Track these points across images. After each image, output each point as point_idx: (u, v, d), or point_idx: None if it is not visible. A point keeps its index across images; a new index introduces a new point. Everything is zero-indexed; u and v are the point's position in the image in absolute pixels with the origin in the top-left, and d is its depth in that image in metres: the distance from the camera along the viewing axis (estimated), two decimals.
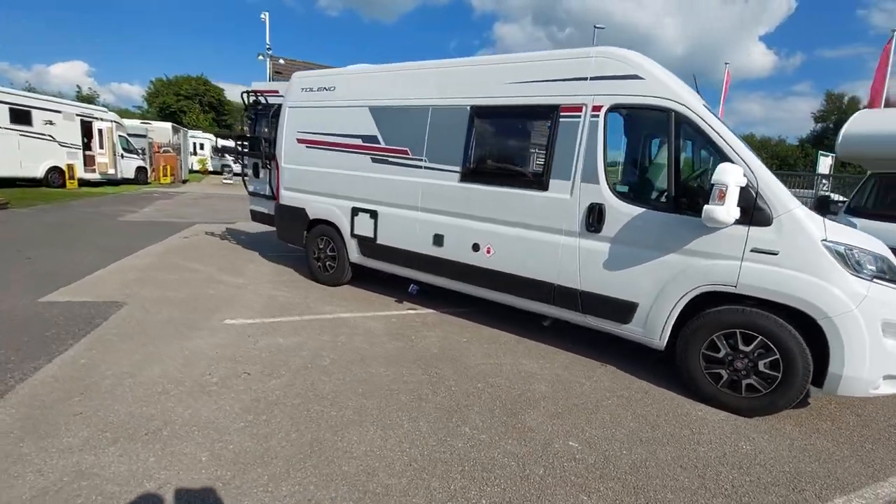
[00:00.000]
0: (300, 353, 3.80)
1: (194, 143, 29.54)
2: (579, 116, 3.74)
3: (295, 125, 5.91)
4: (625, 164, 4.20)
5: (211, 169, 31.16)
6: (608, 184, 3.62)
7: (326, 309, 4.99)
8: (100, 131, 16.34)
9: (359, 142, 5.24)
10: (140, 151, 19.24)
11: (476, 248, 4.36)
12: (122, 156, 17.76)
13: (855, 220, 6.15)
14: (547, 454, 2.63)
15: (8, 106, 13.92)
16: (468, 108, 4.36)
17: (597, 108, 3.66)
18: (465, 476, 2.39)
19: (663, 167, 3.51)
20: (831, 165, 19.71)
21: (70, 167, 15.59)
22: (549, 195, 3.89)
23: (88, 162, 16.44)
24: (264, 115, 6.72)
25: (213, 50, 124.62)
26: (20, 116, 14.31)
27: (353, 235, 5.41)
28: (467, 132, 4.37)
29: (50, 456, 2.36)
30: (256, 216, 7.23)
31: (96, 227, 9.18)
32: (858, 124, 7.04)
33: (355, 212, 5.34)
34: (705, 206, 3.01)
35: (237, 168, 30.23)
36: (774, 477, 2.59)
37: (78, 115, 15.92)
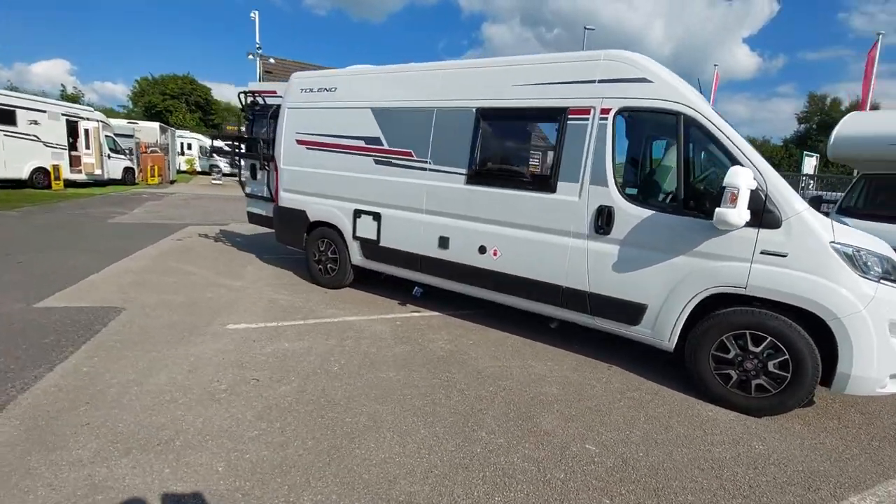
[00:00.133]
0: (308, 358, 3.75)
1: (181, 144, 29.08)
2: (587, 119, 3.75)
3: (294, 126, 5.84)
4: (633, 166, 4.22)
5: (199, 169, 30.72)
6: (617, 186, 3.64)
7: (330, 312, 4.93)
8: (86, 131, 15.99)
9: (361, 143, 5.19)
10: (127, 152, 18.88)
11: (483, 250, 4.35)
12: (109, 156, 17.40)
13: (846, 220, 6.27)
14: (566, 458, 2.63)
15: None
16: (474, 109, 4.35)
17: (605, 111, 3.67)
18: (487, 482, 2.38)
19: (672, 170, 3.53)
20: (816, 166, 20.13)
21: (55, 168, 15.24)
22: (558, 197, 3.90)
23: (74, 162, 16.09)
24: (262, 115, 6.62)
25: (200, 49, 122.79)
26: (4, 116, 13.95)
27: (355, 237, 5.36)
28: (473, 134, 4.36)
29: (60, 469, 2.29)
30: (253, 218, 7.13)
31: (86, 229, 8.98)
32: (849, 126, 7.19)
33: (358, 214, 5.29)
34: (717, 209, 3.04)
35: (226, 168, 29.98)
36: (790, 476, 2.62)
37: (63, 114, 15.56)
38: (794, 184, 15.90)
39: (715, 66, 19.86)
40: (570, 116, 3.83)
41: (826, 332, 3.03)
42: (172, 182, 22.81)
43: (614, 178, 3.65)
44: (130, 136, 19.76)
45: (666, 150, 3.70)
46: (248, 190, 7.08)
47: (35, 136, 14.73)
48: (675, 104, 3.43)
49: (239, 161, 7.19)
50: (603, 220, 3.67)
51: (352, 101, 5.27)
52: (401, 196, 4.89)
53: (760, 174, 3.15)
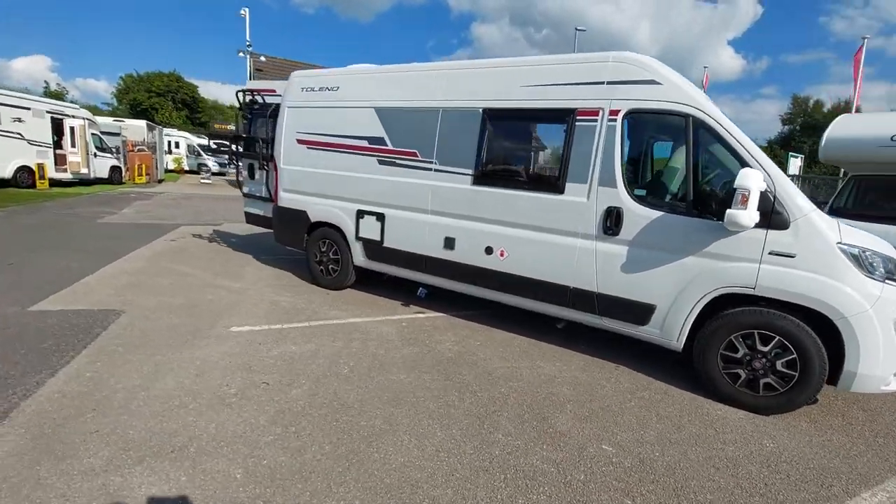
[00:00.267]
0: (316, 360, 3.71)
1: (169, 142, 28.60)
2: (596, 120, 3.77)
3: (295, 125, 5.77)
4: (642, 167, 4.25)
5: (187, 168, 30.26)
6: (626, 187, 3.66)
7: (334, 314, 4.89)
8: (71, 129, 15.62)
9: (364, 143, 5.15)
10: (114, 150, 18.50)
11: (489, 251, 4.34)
12: (96, 155, 17.04)
13: (837, 220, 6.41)
14: (584, 459, 2.64)
15: None
16: (480, 110, 4.34)
17: (614, 113, 3.69)
18: (509, 485, 2.37)
19: (681, 171, 3.57)
20: (801, 166, 20.54)
21: (40, 166, 14.87)
22: (566, 198, 3.91)
23: (59, 161, 15.71)
24: (261, 114, 6.53)
25: (186, 46, 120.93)
26: None
27: (358, 238, 5.32)
28: (480, 134, 4.35)
29: (72, 479, 2.22)
30: (251, 218, 7.03)
31: (76, 229, 8.77)
32: (840, 128, 7.33)
33: (361, 214, 5.25)
34: (728, 211, 3.07)
35: (215, 168, 29.57)
36: (802, 474, 2.66)
37: (48, 112, 15.19)
38: None
39: (705, 67, 20.21)
40: (578, 118, 3.84)
41: (832, 331, 3.09)
42: (160, 181, 22.42)
43: (623, 179, 3.67)
44: (117, 135, 19.38)
45: (675, 151, 3.73)
46: (245, 190, 6.98)
47: (19, 133, 14.36)
48: (684, 106, 3.46)
49: (237, 160, 7.08)
50: (612, 221, 3.69)
51: (355, 101, 5.22)
52: (405, 196, 4.86)
53: (769, 176, 3.19)
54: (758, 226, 3.14)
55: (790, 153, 21.74)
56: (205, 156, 30.66)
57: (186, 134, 32.48)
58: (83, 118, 16.31)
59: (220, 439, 2.59)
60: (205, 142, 32.02)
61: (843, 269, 3.04)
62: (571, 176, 3.88)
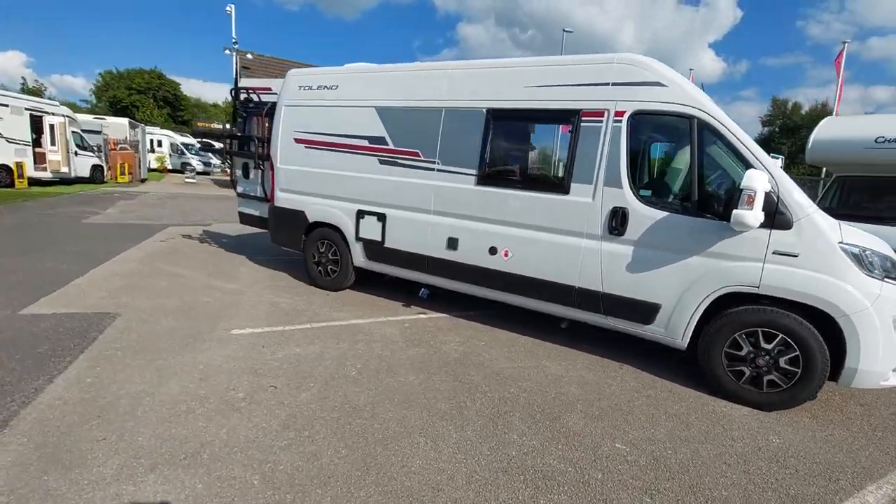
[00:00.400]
0: (323, 362, 3.66)
1: (151, 141, 27.96)
2: (601, 121, 3.80)
3: (292, 124, 5.69)
4: (647, 168, 4.30)
5: (170, 167, 29.63)
6: (632, 188, 3.69)
7: (335, 315, 4.84)
8: (51, 126, 15.16)
9: (364, 143, 5.11)
10: (95, 148, 18.01)
11: (493, 251, 4.34)
12: (76, 153, 16.56)
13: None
14: (599, 458, 2.66)
15: None
16: (484, 110, 4.33)
17: (619, 114, 3.72)
18: (529, 485, 2.37)
19: (686, 172, 3.62)
20: (781, 167, 21.13)
21: (19, 165, 14.39)
22: (571, 198, 3.93)
23: (39, 159, 15.23)
24: (255, 113, 6.43)
25: (167, 43, 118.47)
26: None
27: (358, 239, 5.27)
28: (483, 135, 4.34)
29: (83, 489, 2.16)
30: (245, 219, 6.91)
31: (60, 230, 8.52)
32: (825, 131, 7.53)
33: (361, 214, 5.20)
34: (735, 211, 3.12)
35: (199, 167, 29.01)
36: (810, 468, 2.72)
37: (27, 109, 14.71)
38: None
39: (690, 70, 20.54)
40: (583, 118, 3.87)
41: (833, 328, 3.16)
42: (143, 180, 21.90)
43: (629, 180, 3.70)
44: (98, 133, 18.88)
45: (680, 152, 3.78)
46: (239, 189, 6.86)
47: None
48: (689, 108, 3.51)
49: (230, 160, 6.95)
50: (617, 222, 3.73)
51: (355, 100, 5.17)
52: (407, 196, 4.83)
53: (772, 177, 3.25)
54: (762, 226, 3.20)
55: (771, 154, 22.24)
56: (188, 154, 30.12)
57: (169, 132, 31.81)
58: (63, 115, 15.85)
59: (232, 445, 2.54)
60: (189, 140, 31.58)
61: (844, 269, 3.11)
62: (577, 176, 3.90)
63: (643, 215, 3.65)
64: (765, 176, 3.09)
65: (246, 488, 2.22)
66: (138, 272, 5.95)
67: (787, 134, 41.28)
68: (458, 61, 4.65)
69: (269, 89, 6.33)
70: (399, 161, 4.88)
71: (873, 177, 7.03)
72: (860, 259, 3.13)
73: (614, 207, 3.74)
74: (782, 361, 3.29)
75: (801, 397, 3.30)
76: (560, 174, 4.03)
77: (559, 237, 4.02)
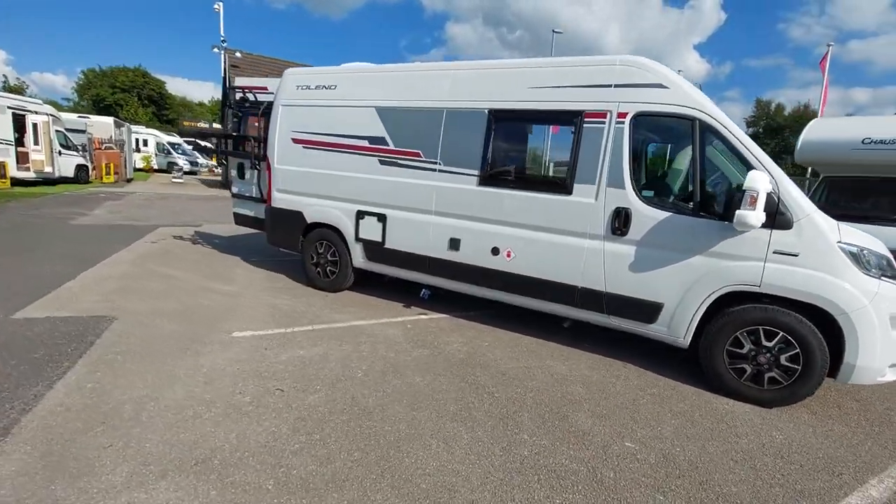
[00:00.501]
0: (328, 364, 3.63)
1: (137, 140, 27.46)
2: (604, 122, 3.83)
3: (290, 124, 5.64)
4: (650, 169, 4.35)
5: (156, 167, 29.15)
6: (634, 189, 3.73)
7: (336, 317, 4.80)
8: (34, 125, 14.79)
9: (364, 143, 5.08)
10: (80, 148, 17.63)
11: (496, 251, 4.36)
12: (60, 153, 16.19)
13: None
14: (610, 456, 2.68)
15: None
16: (486, 111, 4.34)
17: (622, 115, 3.75)
18: (544, 485, 2.39)
19: (688, 173, 3.66)
20: None
21: (1, 165, 14.01)
22: (574, 199, 3.96)
23: (22, 159, 14.84)
24: (252, 112, 6.35)
25: (152, 40, 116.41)
26: None
27: (357, 239, 5.24)
28: (485, 136, 4.35)
29: (93, 498, 2.11)
30: (240, 219, 6.81)
31: (47, 232, 8.32)
32: (814, 132, 7.69)
33: (361, 215, 5.17)
34: (738, 211, 3.17)
35: (187, 167, 28.57)
36: (814, 463, 2.78)
37: (10, 107, 14.32)
38: None
39: (679, 71, 20.75)
40: (585, 120, 3.90)
41: (832, 325, 3.23)
42: (129, 180, 21.51)
43: (631, 180, 3.74)
44: (82, 132, 18.46)
45: (682, 153, 3.83)
46: (234, 190, 6.76)
47: None
48: (691, 109, 3.56)
49: (225, 160, 6.85)
50: (620, 222, 3.76)
51: (354, 100, 5.14)
52: (408, 197, 4.81)
53: (773, 177, 3.31)
54: (763, 226, 3.25)
55: None
56: (175, 154, 29.65)
57: (155, 131, 31.29)
58: (47, 114, 15.48)
59: (243, 450, 2.51)
60: (175, 139, 31.07)
61: (843, 267, 3.19)
62: (579, 177, 3.93)
63: (646, 216, 3.69)
64: (766, 177, 3.15)
65: (261, 493, 2.19)
66: (131, 274, 5.84)
67: (770, 134, 42.06)
68: (460, 62, 4.65)
69: (266, 89, 6.26)
70: (400, 161, 4.86)
71: (860, 177, 7.19)
72: (858, 258, 3.21)
73: (617, 208, 3.77)
74: (783, 359, 3.35)
75: (801, 394, 3.37)
76: (563, 175, 4.05)
77: (562, 237, 4.04)
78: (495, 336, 4.55)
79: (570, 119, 3.99)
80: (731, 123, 3.52)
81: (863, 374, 3.23)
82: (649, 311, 3.76)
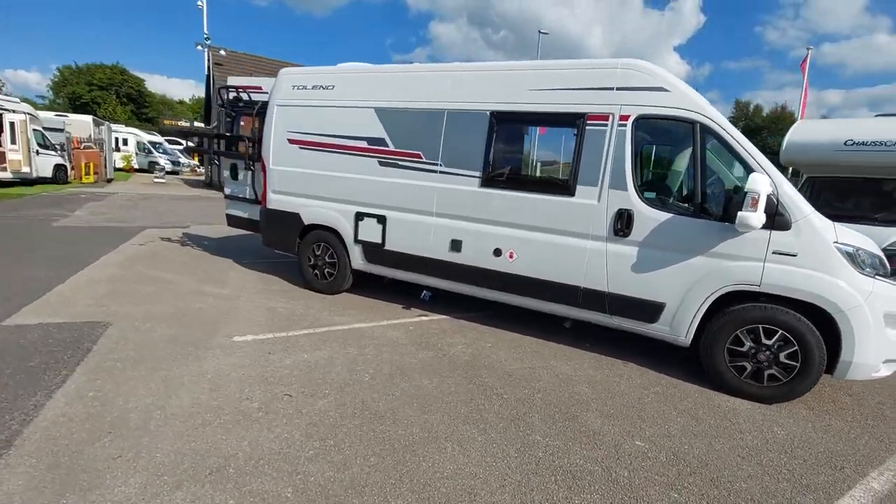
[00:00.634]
0: (334, 368, 3.60)
1: (117, 139, 26.76)
2: (606, 125, 3.87)
3: (286, 125, 5.56)
4: (652, 171, 4.41)
5: (136, 166, 28.44)
6: (636, 190, 3.79)
7: (337, 319, 4.76)
8: (11, 124, 14.29)
9: (363, 144, 5.04)
10: (58, 147, 17.11)
11: (498, 252, 4.37)
12: (38, 152, 15.68)
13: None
14: (622, 455, 2.72)
15: None
16: (488, 112, 4.35)
17: (624, 118, 3.80)
18: (561, 486, 2.41)
19: (690, 175, 3.73)
20: None
21: None
22: (576, 201, 4.00)
23: None
24: (245, 112, 6.25)
25: (130, 37, 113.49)
26: None
27: (357, 241, 5.20)
28: (487, 137, 4.36)
29: None
30: (234, 221, 6.70)
31: (30, 234, 8.06)
32: (799, 133, 7.90)
33: (360, 217, 5.14)
34: (739, 213, 3.25)
35: (169, 166, 27.93)
36: (816, 458, 2.86)
37: None
38: None
39: None
40: (588, 122, 3.94)
41: (829, 323, 3.33)
42: (110, 180, 20.96)
43: (634, 182, 3.79)
44: (60, 130, 17.92)
45: (683, 156, 3.91)
46: (227, 191, 6.65)
47: None
48: (692, 113, 3.62)
49: (219, 160, 6.74)
50: (622, 223, 3.81)
51: (352, 101, 5.10)
52: (408, 198, 4.80)
53: (772, 180, 3.39)
54: (763, 227, 3.34)
55: None
56: (156, 153, 28.99)
57: (136, 130, 30.54)
58: (24, 113, 14.97)
59: (257, 457, 2.47)
60: (156, 138, 30.33)
61: (839, 267, 3.29)
62: (582, 179, 3.97)
63: (648, 217, 3.75)
64: (767, 179, 3.23)
65: (280, 502, 2.16)
66: (121, 278, 5.70)
67: (749, 135, 42.52)
68: (461, 63, 4.66)
69: (260, 88, 6.16)
70: (400, 163, 4.84)
71: (842, 177, 7.42)
72: (854, 258, 3.31)
73: (619, 209, 3.82)
74: (782, 356, 3.44)
75: (799, 390, 3.46)
76: (565, 177, 4.09)
77: (564, 238, 4.08)
78: (497, 337, 4.57)
79: (572, 121, 4.02)
80: (730, 126, 3.60)
81: (859, 371, 3.34)
82: (651, 310, 3.83)
